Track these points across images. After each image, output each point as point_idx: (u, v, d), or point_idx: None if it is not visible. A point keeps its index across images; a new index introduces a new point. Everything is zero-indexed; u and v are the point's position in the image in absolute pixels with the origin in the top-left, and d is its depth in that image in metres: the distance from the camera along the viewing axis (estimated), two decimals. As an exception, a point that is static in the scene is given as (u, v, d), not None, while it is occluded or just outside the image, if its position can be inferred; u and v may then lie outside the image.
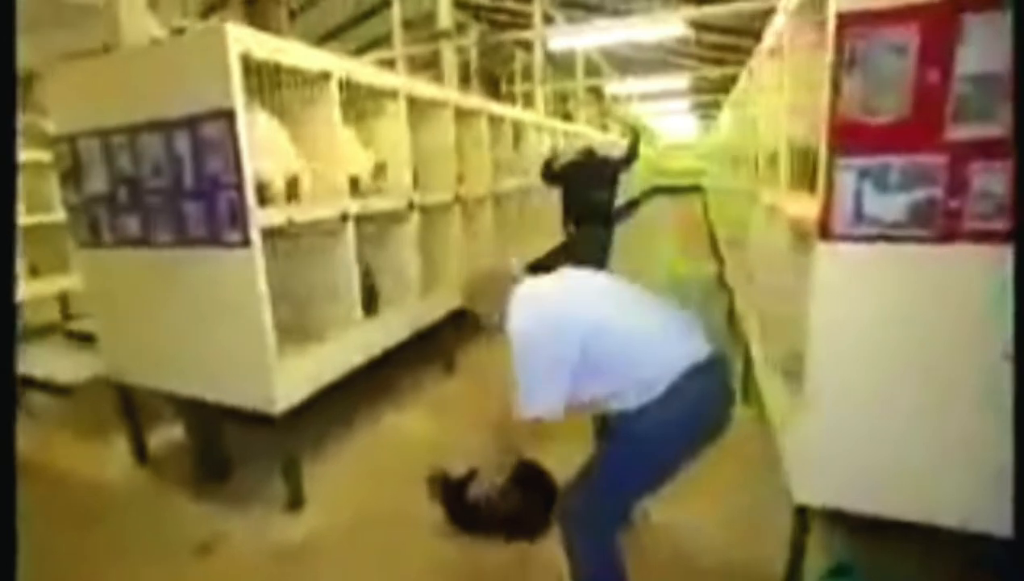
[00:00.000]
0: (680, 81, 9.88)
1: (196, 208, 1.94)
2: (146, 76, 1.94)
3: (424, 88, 3.08)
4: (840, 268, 1.29)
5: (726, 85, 10.28)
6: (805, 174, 1.70)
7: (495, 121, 4.18)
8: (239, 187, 1.86)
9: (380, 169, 2.87)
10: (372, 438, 2.74)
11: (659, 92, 12.04)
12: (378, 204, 2.66)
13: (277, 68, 2.02)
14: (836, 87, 1.21)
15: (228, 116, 1.79)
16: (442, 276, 3.44)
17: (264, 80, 1.99)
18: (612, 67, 11.51)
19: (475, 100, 3.81)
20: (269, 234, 2.00)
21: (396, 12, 5.75)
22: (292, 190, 2.21)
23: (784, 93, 1.82)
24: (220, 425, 2.39)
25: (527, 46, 7.02)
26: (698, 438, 1.35)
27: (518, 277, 1.53)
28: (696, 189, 15.50)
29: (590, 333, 1.31)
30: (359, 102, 2.52)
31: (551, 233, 5.96)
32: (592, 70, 10.57)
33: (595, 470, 1.38)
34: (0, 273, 0.98)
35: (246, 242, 1.89)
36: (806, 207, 1.42)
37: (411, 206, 2.95)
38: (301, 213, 2.12)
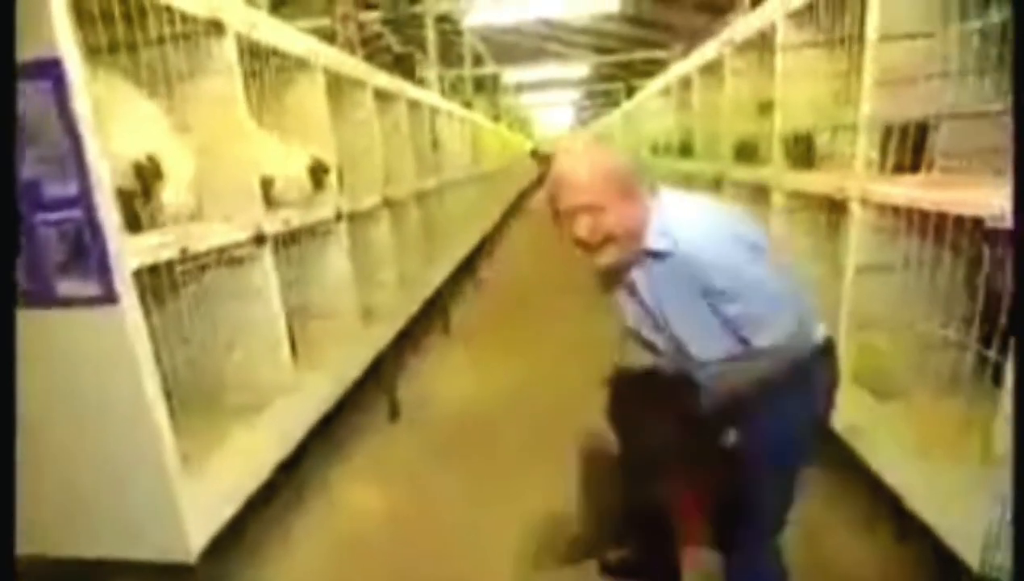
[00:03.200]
0: (578, 70, 9.79)
1: (3, 243, 1.11)
2: None
3: (345, 61, 2.36)
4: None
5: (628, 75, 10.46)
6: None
7: (414, 108, 3.53)
8: (85, 201, 1.08)
9: (319, 171, 2.04)
10: (303, 543, 2.00)
11: (551, 81, 11.93)
12: (302, 217, 1.92)
13: (139, 7, 1.24)
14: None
15: (50, 71, 1.01)
16: (376, 298, 2.76)
17: (120, 27, 1.21)
18: (494, 57, 11.13)
19: (395, 81, 3.12)
20: (154, 272, 1.23)
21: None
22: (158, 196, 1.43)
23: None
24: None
25: (420, 30, 6.30)
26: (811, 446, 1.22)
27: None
28: None
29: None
30: (262, 73, 1.77)
31: (472, 233, 5.48)
32: (473, 60, 10.08)
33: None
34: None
35: (109, 296, 1.12)
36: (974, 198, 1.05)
37: (339, 216, 2.24)
38: (198, 237, 1.36)
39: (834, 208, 1.72)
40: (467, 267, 5.47)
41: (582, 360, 3.51)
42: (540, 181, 13.73)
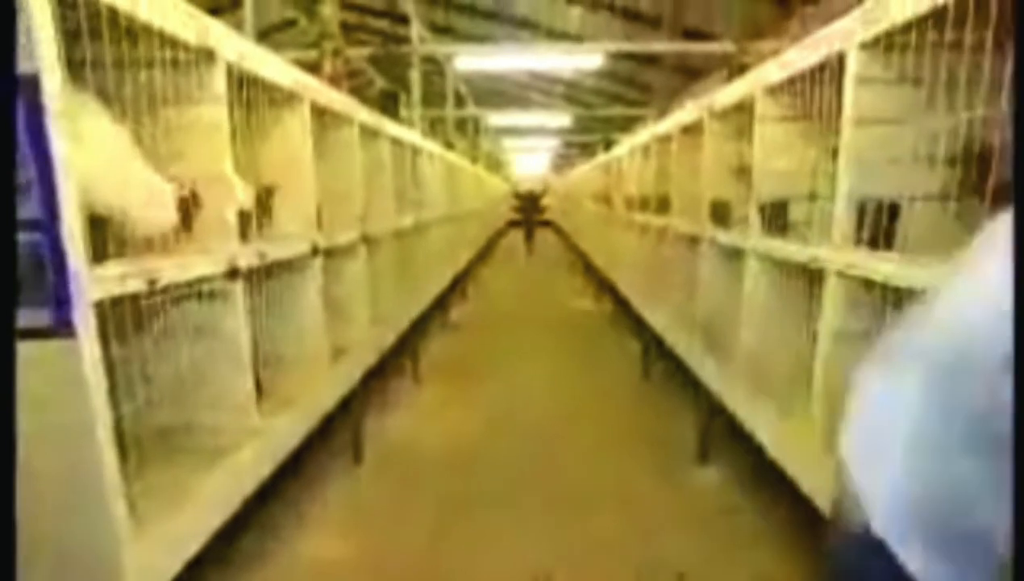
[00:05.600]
0: (559, 119, 10.09)
1: (-47, 266, 1.03)
2: None
3: (330, 95, 2.36)
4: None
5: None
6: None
7: (397, 145, 3.54)
8: (50, 225, 1.02)
9: (266, 196, 2.04)
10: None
11: (532, 128, 12.27)
12: (277, 251, 1.86)
13: (126, 26, 1.21)
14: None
15: (27, 87, 0.96)
16: (347, 335, 2.68)
17: (104, 46, 1.17)
18: (476, 99, 11.42)
19: (379, 119, 3.14)
20: (117, 304, 1.16)
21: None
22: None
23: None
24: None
25: (404, 69, 6.43)
26: None
27: None
28: (547, 223, 16.83)
29: None
30: (249, 103, 1.74)
31: (445, 272, 5.45)
32: (455, 101, 10.32)
33: None
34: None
35: (65, 327, 1.04)
36: None
37: (315, 251, 2.19)
38: (169, 268, 1.29)
39: (806, 274, 1.77)
40: (439, 306, 5.43)
41: (553, 403, 3.50)
42: (522, 222, 13.96)
